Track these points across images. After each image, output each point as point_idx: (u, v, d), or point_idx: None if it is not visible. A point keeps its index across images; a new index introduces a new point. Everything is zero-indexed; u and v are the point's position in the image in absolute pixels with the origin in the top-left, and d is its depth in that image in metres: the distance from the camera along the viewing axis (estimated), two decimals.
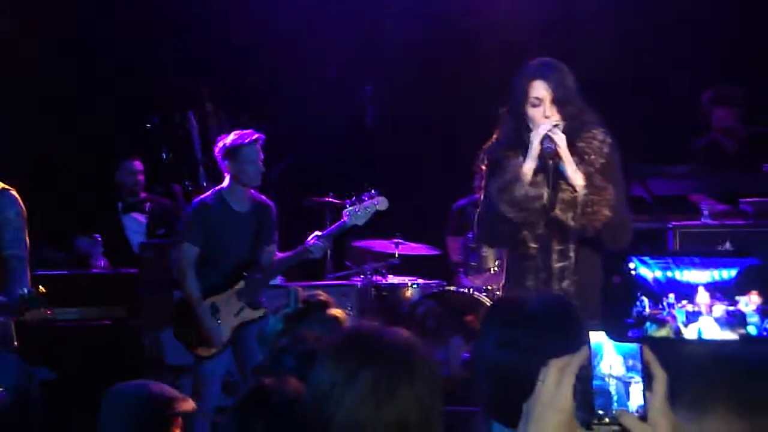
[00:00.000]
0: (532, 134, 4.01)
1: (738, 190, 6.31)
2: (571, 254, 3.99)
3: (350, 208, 5.79)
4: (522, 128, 4.08)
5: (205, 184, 7.54)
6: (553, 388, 1.54)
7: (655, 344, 1.50)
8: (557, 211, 4.00)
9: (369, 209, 5.77)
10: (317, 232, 5.84)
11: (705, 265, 1.46)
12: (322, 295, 3.33)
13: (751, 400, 1.55)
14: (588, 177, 3.98)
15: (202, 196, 5.96)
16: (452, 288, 6.90)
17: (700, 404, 1.59)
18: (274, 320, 3.29)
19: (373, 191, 5.83)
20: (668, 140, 7.33)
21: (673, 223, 6.15)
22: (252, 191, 5.92)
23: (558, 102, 4.01)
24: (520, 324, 2.32)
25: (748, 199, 6.08)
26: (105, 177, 7.74)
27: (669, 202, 6.71)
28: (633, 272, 1.46)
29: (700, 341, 1.45)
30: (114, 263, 7.35)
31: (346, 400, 1.90)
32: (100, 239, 7.32)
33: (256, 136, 5.79)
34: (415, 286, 7.08)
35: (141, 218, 7.70)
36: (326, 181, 7.35)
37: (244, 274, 5.87)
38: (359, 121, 7.33)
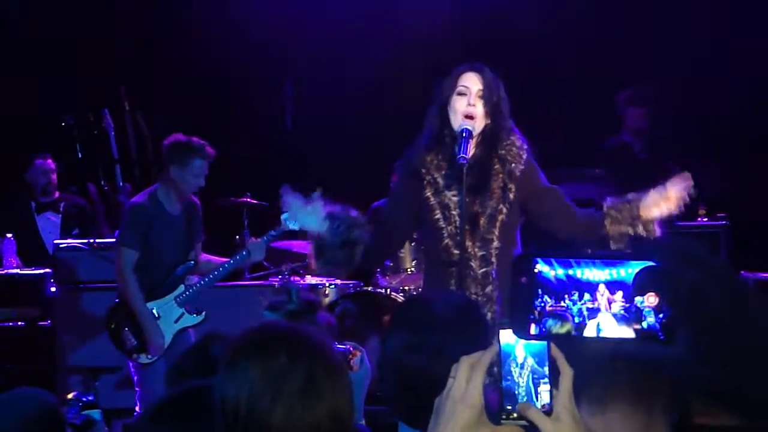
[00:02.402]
0: None
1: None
2: (493, 259, 4.06)
3: (287, 214, 5.78)
4: (444, 125, 4.08)
5: (122, 184, 7.47)
6: (464, 384, 1.58)
7: (558, 341, 1.55)
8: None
9: (307, 212, 5.78)
10: (253, 238, 5.94)
11: (605, 264, 1.52)
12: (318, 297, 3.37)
13: (648, 395, 1.62)
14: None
15: (136, 198, 5.88)
16: (369, 288, 6.94)
17: (603, 400, 1.66)
18: (273, 317, 3.29)
19: (318, 191, 5.86)
20: (584, 142, 7.48)
21: None
22: None
23: (484, 96, 4.03)
24: (425, 327, 2.35)
25: None
26: (17, 175, 7.59)
27: (586, 205, 6.84)
28: (536, 271, 1.51)
29: (600, 339, 1.51)
30: (27, 263, 7.23)
31: (279, 400, 1.85)
32: (12, 239, 7.19)
33: (209, 151, 5.76)
34: (332, 286, 7.08)
35: (55, 218, 7.58)
36: (244, 181, 7.32)
37: (183, 279, 5.86)
38: (278, 120, 7.32)
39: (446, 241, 4.08)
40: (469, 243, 4.05)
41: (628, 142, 7.29)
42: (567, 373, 1.54)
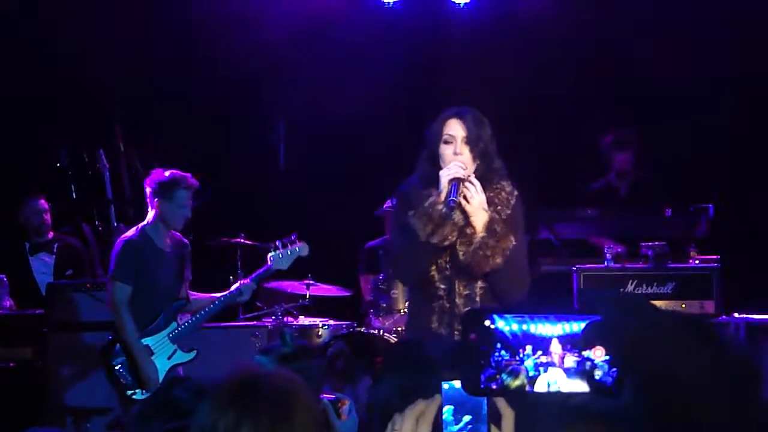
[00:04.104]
0: (441, 172, 4.06)
1: (639, 234, 6.50)
2: (477, 299, 4.09)
3: (273, 252, 5.90)
4: (436, 168, 4.13)
5: (116, 224, 7.48)
6: None
7: (512, 396, 1.56)
8: (458, 244, 4.07)
9: (292, 254, 5.91)
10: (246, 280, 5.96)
11: (557, 319, 1.53)
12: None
13: None
14: (489, 222, 4.05)
15: (127, 235, 5.93)
16: (362, 329, 6.93)
17: None
18: (266, 361, 3.27)
19: (293, 236, 5.93)
20: (574, 183, 7.50)
21: (577, 266, 6.31)
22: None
23: (469, 142, 4.08)
24: (418, 370, 2.35)
25: (648, 243, 6.28)
26: (11, 216, 7.61)
27: (575, 245, 6.87)
28: (491, 327, 1.52)
29: (554, 393, 1.52)
30: (20, 304, 7.22)
31: None
32: (5, 279, 7.19)
33: (192, 182, 5.84)
34: (325, 327, 7.08)
35: (48, 259, 7.57)
36: (237, 221, 7.33)
37: (176, 316, 5.88)
38: (271, 159, 7.34)
39: (433, 273, 4.11)
40: (455, 281, 4.08)
41: (613, 184, 7.32)
42: (508, 415, 1.55)
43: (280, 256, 5.88)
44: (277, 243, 5.91)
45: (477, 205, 4.03)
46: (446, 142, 4.11)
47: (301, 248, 5.92)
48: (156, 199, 5.83)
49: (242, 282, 5.93)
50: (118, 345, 5.79)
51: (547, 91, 7.97)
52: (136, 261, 5.77)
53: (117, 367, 5.76)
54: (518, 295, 4.11)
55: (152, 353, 5.79)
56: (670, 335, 1.39)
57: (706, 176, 7.54)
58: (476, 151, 4.09)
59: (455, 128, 4.12)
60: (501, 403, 1.54)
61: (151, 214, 5.89)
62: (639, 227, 6.66)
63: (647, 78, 7.86)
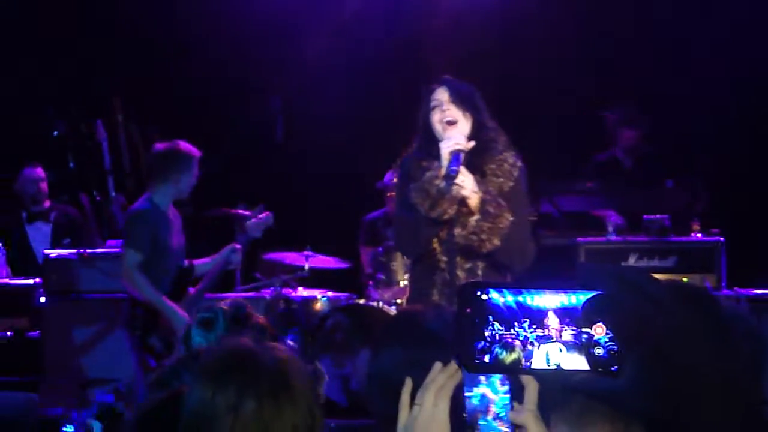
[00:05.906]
0: (441, 144, 4.01)
1: (641, 207, 6.46)
2: (479, 272, 4.06)
3: (250, 221, 6.01)
4: (431, 140, 4.11)
5: (114, 195, 7.44)
6: (431, 411, 1.56)
7: (506, 372, 1.52)
8: (455, 224, 4.03)
9: (260, 224, 5.99)
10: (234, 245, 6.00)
11: (555, 291, 1.48)
12: (244, 305, 3.25)
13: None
14: (482, 204, 4.01)
15: (138, 205, 5.89)
16: (361, 301, 6.90)
17: (581, 420, 1.61)
18: (205, 338, 3.20)
19: (261, 207, 6.02)
20: (575, 155, 7.45)
21: (579, 239, 6.26)
22: None
23: (455, 101, 4.08)
24: (418, 343, 2.31)
25: (650, 216, 6.23)
26: (8, 184, 7.57)
27: (577, 217, 6.82)
28: (485, 299, 1.47)
29: (551, 371, 1.46)
30: (17, 273, 7.20)
31: (236, 423, 1.91)
32: (2, 248, 7.16)
33: (198, 152, 5.86)
34: (324, 298, 7.06)
35: (46, 228, 7.54)
36: (236, 193, 7.29)
37: (188, 286, 5.90)
38: (269, 133, 7.30)
39: (434, 246, 4.09)
40: (456, 254, 4.06)
41: (618, 157, 7.27)
42: (532, 387, 1.52)
43: (252, 225, 6.00)
44: (249, 213, 6.06)
45: (469, 189, 3.99)
46: (434, 108, 4.11)
47: (267, 218, 6.02)
48: (174, 172, 5.76)
49: (227, 249, 5.95)
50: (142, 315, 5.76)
51: (548, 63, 7.91)
52: (151, 229, 5.73)
53: (149, 336, 5.74)
54: (521, 268, 4.11)
55: None
56: (670, 310, 1.33)
57: (709, 150, 7.49)
58: (463, 107, 4.08)
59: (440, 94, 4.12)
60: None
61: (160, 183, 5.82)
62: (641, 200, 6.61)
63: (649, 47, 7.80)
